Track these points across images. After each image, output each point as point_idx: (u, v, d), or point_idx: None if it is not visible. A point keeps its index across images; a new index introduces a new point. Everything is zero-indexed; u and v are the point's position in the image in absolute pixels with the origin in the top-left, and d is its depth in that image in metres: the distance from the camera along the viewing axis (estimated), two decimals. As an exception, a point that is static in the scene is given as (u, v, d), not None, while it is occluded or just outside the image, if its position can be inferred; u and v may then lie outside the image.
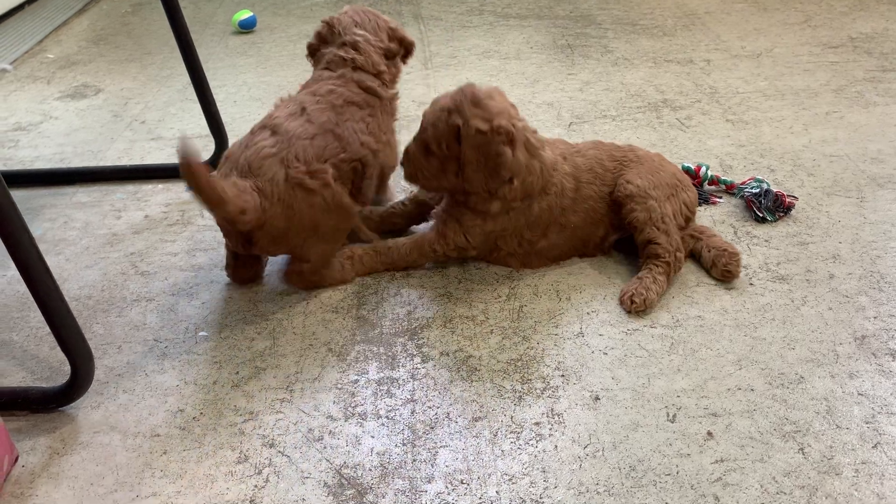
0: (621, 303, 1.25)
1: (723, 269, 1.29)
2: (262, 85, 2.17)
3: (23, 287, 1.32)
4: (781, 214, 1.46)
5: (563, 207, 1.31)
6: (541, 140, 1.28)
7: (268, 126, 1.24)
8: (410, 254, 1.33)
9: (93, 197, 1.63)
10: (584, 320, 1.22)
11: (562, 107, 1.96)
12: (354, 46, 1.37)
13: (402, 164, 1.30)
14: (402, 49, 1.45)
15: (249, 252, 1.25)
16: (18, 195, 1.59)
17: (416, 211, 1.43)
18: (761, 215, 1.45)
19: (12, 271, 1.38)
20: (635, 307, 1.22)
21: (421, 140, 1.25)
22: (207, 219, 1.53)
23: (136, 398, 1.10)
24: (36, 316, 1.26)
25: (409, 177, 1.29)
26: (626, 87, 2.06)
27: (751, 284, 1.29)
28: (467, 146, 1.20)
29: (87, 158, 1.79)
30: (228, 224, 1.17)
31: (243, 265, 1.31)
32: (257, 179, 1.17)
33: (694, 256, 1.36)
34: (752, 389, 1.07)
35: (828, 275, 1.30)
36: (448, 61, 2.28)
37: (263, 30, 2.62)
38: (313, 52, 1.44)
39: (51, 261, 1.39)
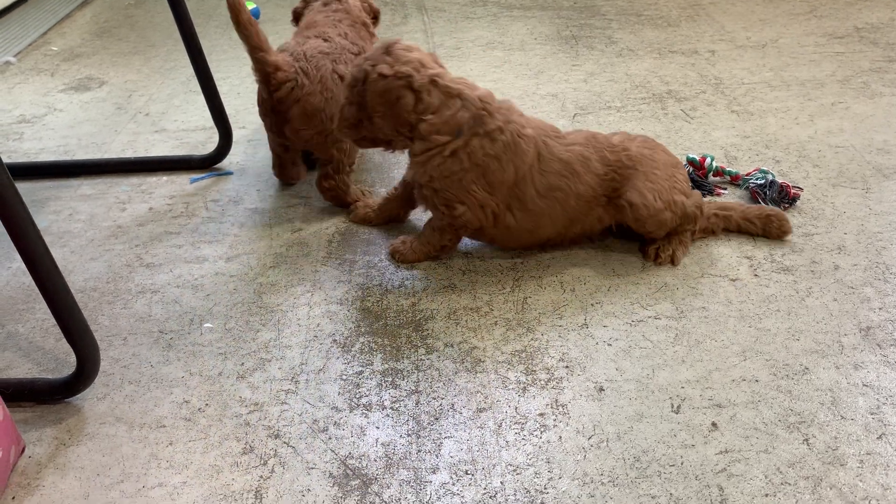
0: (646, 256, 1.32)
1: (778, 232, 1.36)
2: (265, 77, 2.16)
3: (28, 279, 1.33)
4: (786, 205, 1.45)
5: (519, 173, 1.26)
6: (470, 86, 1.27)
7: (320, 35, 1.47)
8: (439, 236, 1.34)
9: (97, 189, 1.63)
10: (588, 312, 1.22)
11: (566, 98, 1.95)
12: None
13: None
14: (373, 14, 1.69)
15: (284, 139, 1.45)
16: (23, 187, 1.60)
17: (409, 193, 1.43)
18: (767, 206, 1.44)
19: (18, 263, 1.38)
20: (659, 261, 1.32)
21: (345, 97, 1.31)
22: (212, 211, 1.53)
23: (142, 389, 1.10)
24: (42, 308, 1.27)
25: (338, 128, 1.33)
26: (630, 78, 2.05)
27: (755, 276, 1.28)
28: (370, 91, 1.24)
29: (91, 151, 1.79)
30: (264, 80, 1.39)
31: (289, 163, 1.55)
32: (306, 63, 1.39)
33: (732, 231, 1.39)
34: (757, 380, 1.07)
35: (833, 266, 1.30)
36: (452, 52, 2.27)
37: (267, 21, 2.61)
38: (298, 16, 1.66)
39: (56, 253, 1.40)
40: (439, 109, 1.24)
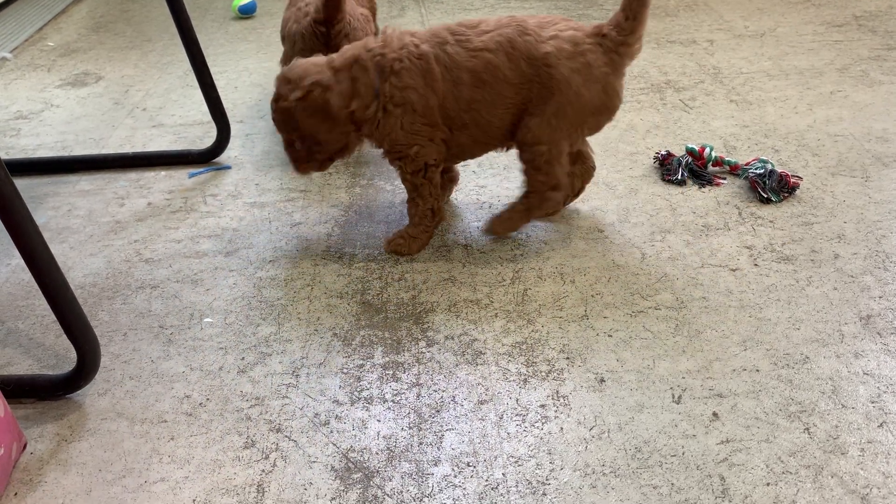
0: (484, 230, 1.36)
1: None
2: (262, 70, 2.16)
3: (27, 275, 1.33)
4: (786, 195, 1.45)
5: (438, 93, 1.25)
6: (357, 44, 1.29)
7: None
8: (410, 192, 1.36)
9: (96, 185, 1.63)
10: (588, 303, 1.22)
11: (564, 89, 1.94)
12: None
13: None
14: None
15: None
16: (21, 184, 1.59)
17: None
18: (766, 196, 1.44)
19: (17, 260, 1.38)
20: (484, 229, 1.36)
21: (284, 141, 1.32)
22: (211, 205, 1.53)
23: (143, 385, 1.10)
24: (41, 304, 1.26)
25: (299, 170, 1.34)
26: (628, 69, 2.04)
27: (755, 265, 1.28)
28: (302, 118, 1.25)
29: (88, 146, 1.79)
30: (329, 17, 1.47)
31: None
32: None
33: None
34: (758, 370, 1.08)
35: (833, 255, 1.30)
36: (449, 44, 2.27)
37: (263, 15, 2.60)
38: None
39: (55, 249, 1.39)
40: (352, 87, 1.24)
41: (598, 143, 1.67)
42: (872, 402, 1.02)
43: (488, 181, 1.56)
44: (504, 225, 1.36)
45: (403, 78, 1.24)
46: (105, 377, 1.11)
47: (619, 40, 1.24)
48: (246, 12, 2.58)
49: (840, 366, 1.08)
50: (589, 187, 1.52)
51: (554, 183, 1.30)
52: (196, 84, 1.99)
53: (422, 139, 1.27)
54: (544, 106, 1.24)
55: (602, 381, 1.07)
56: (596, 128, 1.31)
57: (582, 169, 1.40)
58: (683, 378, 1.07)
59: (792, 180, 1.45)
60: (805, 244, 1.33)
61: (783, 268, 1.28)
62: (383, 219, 1.46)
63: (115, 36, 2.50)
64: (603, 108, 1.27)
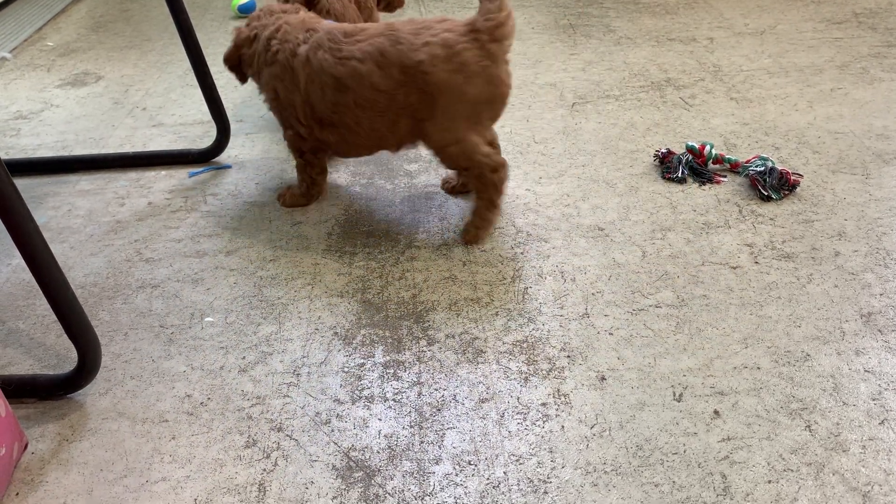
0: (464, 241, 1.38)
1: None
2: (262, 70, 2.15)
3: (28, 275, 1.33)
4: (786, 192, 1.45)
5: (302, 92, 1.34)
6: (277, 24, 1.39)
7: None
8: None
9: (96, 185, 1.62)
10: (589, 301, 1.22)
11: (564, 87, 1.94)
12: None
13: None
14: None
15: None
16: (22, 184, 1.59)
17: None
18: (766, 193, 1.44)
19: (17, 260, 1.38)
20: (467, 241, 1.37)
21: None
22: (211, 205, 1.53)
23: (144, 384, 1.10)
24: (42, 304, 1.26)
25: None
26: (629, 67, 2.04)
27: (756, 263, 1.28)
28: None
29: (89, 146, 1.79)
30: None
31: None
32: None
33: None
34: (759, 368, 1.07)
35: (833, 252, 1.30)
36: (449, 43, 2.26)
37: (263, 14, 2.60)
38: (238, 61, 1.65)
39: (55, 249, 1.39)
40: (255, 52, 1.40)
41: (599, 141, 1.68)
42: (873, 400, 1.02)
43: (488, 180, 1.56)
44: (481, 230, 1.37)
45: (275, 70, 1.37)
46: (106, 377, 1.11)
47: (491, 26, 1.24)
48: (245, 11, 2.57)
49: (841, 363, 1.08)
50: (589, 185, 1.52)
51: (487, 168, 1.31)
52: (196, 83, 1.99)
53: (287, 123, 1.41)
54: (433, 110, 1.28)
55: (603, 379, 1.07)
56: (493, 117, 1.34)
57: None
58: (684, 376, 1.07)
59: (792, 178, 1.45)
60: (806, 242, 1.33)
61: (784, 265, 1.28)
62: (383, 217, 1.46)
63: (114, 35, 2.50)
64: (492, 98, 1.30)
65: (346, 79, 1.29)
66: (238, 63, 1.45)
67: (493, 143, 1.40)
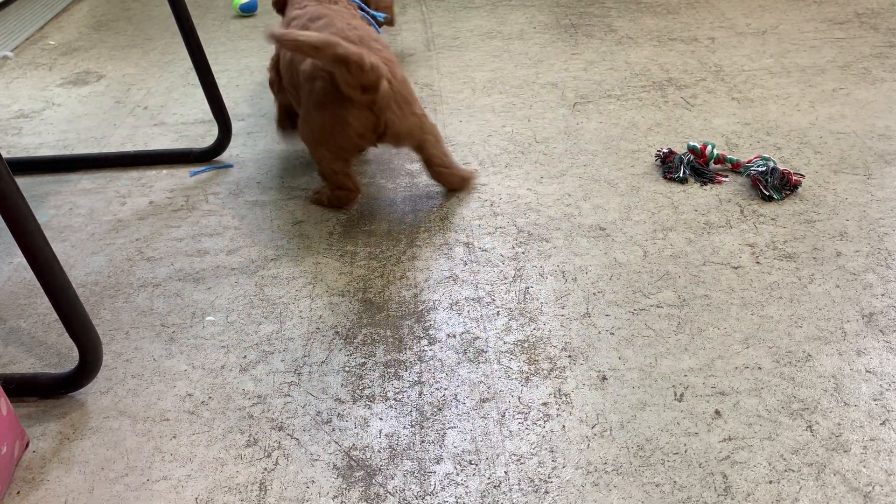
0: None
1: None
2: (263, 69, 2.16)
3: (29, 274, 1.33)
4: (788, 192, 1.45)
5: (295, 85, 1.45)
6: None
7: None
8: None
9: (97, 183, 1.63)
10: (590, 301, 1.22)
11: (566, 87, 1.94)
12: None
13: None
14: None
15: None
16: (23, 182, 1.59)
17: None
18: (768, 193, 1.44)
19: (19, 258, 1.38)
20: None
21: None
22: (212, 204, 1.53)
23: (145, 383, 1.10)
24: (43, 303, 1.27)
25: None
26: (630, 67, 2.04)
27: (757, 263, 1.28)
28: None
29: (90, 145, 1.79)
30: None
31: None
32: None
33: None
34: (760, 368, 1.07)
35: (835, 252, 1.30)
36: (450, 43, 2.27)
37: (265, 13, 2.60)
38: (281, 3, 1.72)
39: (57, 248, 1.40)
40: None
41: (600, 141, 1.67)
42: (875, 400, 1.02)
43: (490, 179, 1.56)
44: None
45: (285, 60, 1.49)
46: (107, 375, 1.12)
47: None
48: (247, 11, 2.57)
49: (842, 363, 1.08)
50: (591, 185, 1.52)
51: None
52: (197, 82, 2.00)
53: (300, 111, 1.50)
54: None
55: (604, 379, 1.07)
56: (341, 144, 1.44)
57: None
58: (685, 376, 1.07)
59: (794, 178, 1.45)
60: (807, 242, 1.33)
61: (785, 265, 1.27)
62: (385, 217, 1.46)
63: (116, 35, 2.50)
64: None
65: (303, 76, 1.41)
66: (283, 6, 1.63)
67: (431, 161, 1.47)
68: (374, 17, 1.78)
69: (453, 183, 1.51)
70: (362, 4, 1.74)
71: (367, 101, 1.31)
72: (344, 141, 1.37)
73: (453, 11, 2.53)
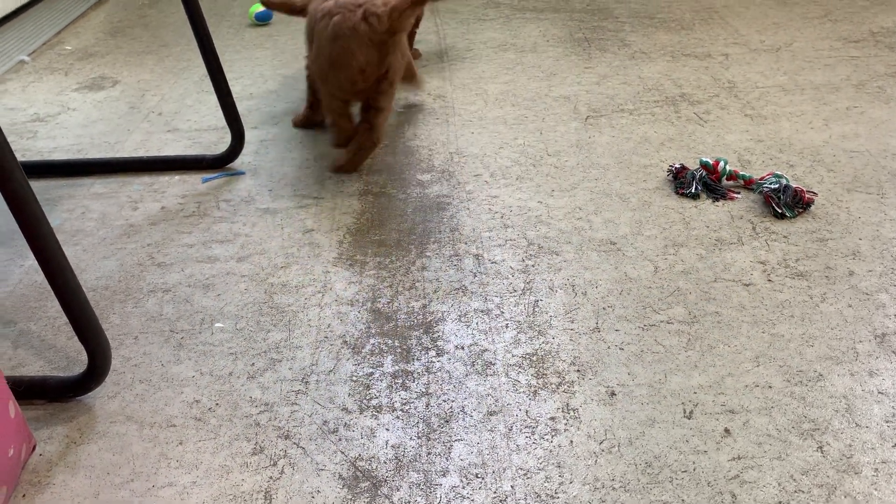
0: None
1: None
2: (277, 77, 2.17)
3: (41, 277, 1.34)
4: (801, 210, 1.44)
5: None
6: None
7: None
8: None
9: (110, 188, 1.63)
10: (600, 315, 1.21)
11: (578, 100, 1.94)
12: None
13: None
14: None
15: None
16: (37, 186, 1.60)
17: None
18: (780, 211, 1.43)
19: (31, 261, 1.39)
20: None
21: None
22: (224, 211, 1.53)
23: (153, 389, 1.10)
24: (54, 306, 1.27)
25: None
26: (643, 81, 2.04)
27: (769, 280, 1.27)
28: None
29: (104, 150, 1.80)
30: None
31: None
32: None
33: None
34: (770, 387, 1.06)
35: (847, 271, 1.29)
36: (464, 54, 2.27)
37: (279, 23, 2.62)
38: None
39: (68, 251, 1.40)
40: None
41: (612, 155, 1.67)
42: (887, 422, 1.01)
43: (501, 191, 1.56)
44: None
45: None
46: (115, 380, 1.12)
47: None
48: (262, 19, 2.59)
49: (854, 384, 1.07)
50: (602, 199, 1.52)
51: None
52: (211, 90, 2.00)
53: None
54: None
55: (613, 394, 1.06)
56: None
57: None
58: (695, 393, 1.06)
59: (807, 196, 1.44)
60: (819, 260, 1.32)
61: (797, 284, 1.27)
62: (395, 227, 1.46)
63: (132, 41, 2.52)
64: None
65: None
66: None
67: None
68: None
69: (366, 143, 1.64)
70: None
71: (381, 38, 1.45)
72: (344, 74, 1.48)
73: (467, 23, 2.54)
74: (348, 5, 1.46)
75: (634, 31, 2.40)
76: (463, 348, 1.15)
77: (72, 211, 1.55)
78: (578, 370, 1.10)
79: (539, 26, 2.49)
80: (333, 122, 1.63)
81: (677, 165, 1.56)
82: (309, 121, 1.84)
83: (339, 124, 1.62)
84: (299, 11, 1.76)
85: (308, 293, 1.29)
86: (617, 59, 2.20)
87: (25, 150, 1.81)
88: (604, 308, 1.23)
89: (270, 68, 2.24)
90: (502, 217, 1.48)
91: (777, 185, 1.46)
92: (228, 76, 1.76)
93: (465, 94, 2.00)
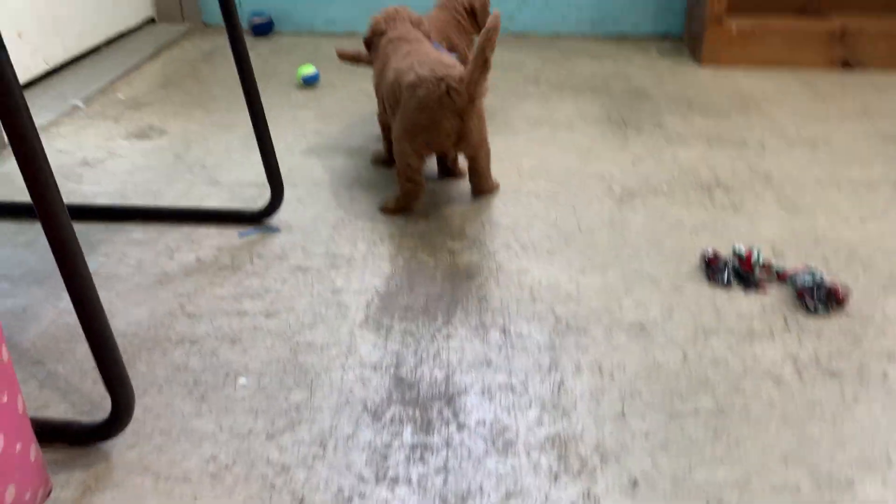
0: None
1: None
2: (319, 137, 2.22)
3: (73, 319, 1.35)
4: (834, 307, 1.42)
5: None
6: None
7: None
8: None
9: (148, 235, 1.67)
10: (626, 400, 1.19)
11: (613, 179, 1.96)
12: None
13: None
14: None
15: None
16: (78, 228, 1.63)
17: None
18: (813, 307, 1.41)
19: (65, 302, 1.41)
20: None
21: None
22: (256, 265, 1.55)
23: (171, 441, 1.10)
24: (82, 349, 1.28)
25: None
26: (678, 165, 2.06)
27: (800, 377, 1.25)
28: None
29: (146, 197, 1.84)
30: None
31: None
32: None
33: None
34: (799, 489, 1.03)
35: (882, 374, 1.26)
36: (500, 128, 2.31)
37: (326, 86, 2.70)
38: (370, 42, 1.96)
39: (102, 295, 1.42)
40: None
41: (645, 236, 1.67)
42: (921, 537, 0.97)
43: (531, 264, 1.57)
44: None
45: None
46: (135, 429, 1.12)
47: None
48: (310, 82, 2.67)
49: (887, 493, 1.03)
50: (633, 280, 1.51)
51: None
52: (255, 146, 2.05)
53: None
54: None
55: (636, 484, 1.04)
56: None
57: None
58: (720, 489, 1.03)
59: (841, 293, 1.42)
60: (853, 360, 1.29)
61: (829, 383, 1.24)
62: (423, 292, 1.47)
63: (182, 93, 2.61)
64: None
65: None
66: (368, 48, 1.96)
67: (476, 168, 1.83)
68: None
69: (483, 188, 1.85)
70: (438, 45, 1.99)
71: (461, 109, 1.64)
72: (432, 138, 1.68)
73: (505, 98, 2.59)
74: (430, 79, 1.63)
75: (671, 115, 2.43)
76: (484, 424, 1.14)
77: (109, 255, 1.58)
78: (602, 456, 1.08)
79: (576, 104, 2.53)
80: (407, 178, 1.73)
81: (710, 252, 1.56)
82: (385, 160, 2.01)
83: (414, 179, 1.74)
84: (367, 62, 2.03)
85: (332, 354, 1.29)
86: (653, 140, 2.22)
87: (71, 192, 1.87)
88: (630, 393, 1.21)
89: (313, 129, 2.30)
90: (531, 290, 1.48)
91: (811, 280, 1.45)
92: (272, 133, 1.81)
93: (499, 165, 2.02)
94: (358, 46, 2.17)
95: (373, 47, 1.96)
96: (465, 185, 1.92)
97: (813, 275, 1.46)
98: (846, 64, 2.89)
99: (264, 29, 3.26)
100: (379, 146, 2.11)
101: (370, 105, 2.47)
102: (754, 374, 1.25)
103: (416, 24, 1.96)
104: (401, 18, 1.93)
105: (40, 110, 2.36)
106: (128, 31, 3.18)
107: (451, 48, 2.18)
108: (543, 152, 2.13)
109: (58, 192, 0.95)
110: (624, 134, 2.27)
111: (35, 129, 0.94)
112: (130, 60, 2.88)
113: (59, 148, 2.14)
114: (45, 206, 0.95)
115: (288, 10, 3.32)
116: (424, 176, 1.77)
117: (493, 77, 2.83)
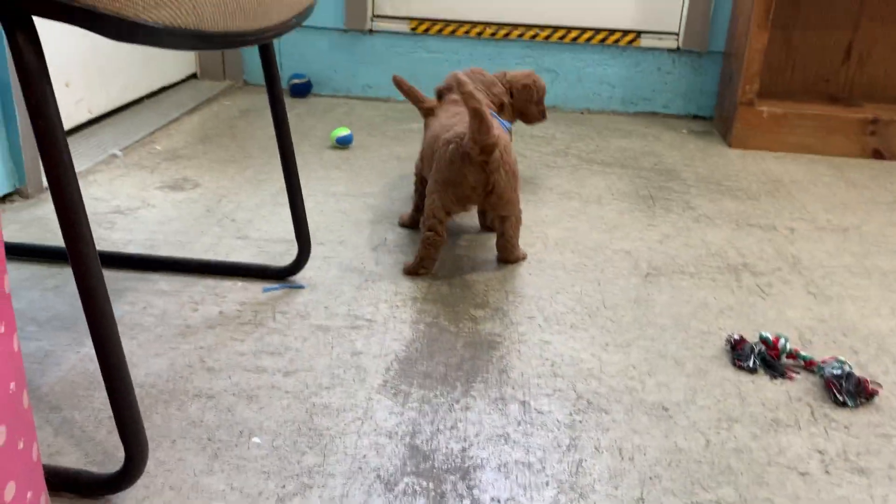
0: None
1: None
2: (349, 198, 2.25)
3: (94, 366, 1.36)
4: (863, 401, 1.38)
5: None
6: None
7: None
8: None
9: (174, 286, 1.68)
10: (645, 485, 1.16)
11: (639, 256, 1.95)
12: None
13: None
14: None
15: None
16: (106, 275, 1.66)
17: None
18: (842, 399, 1.38)
19: (87, 348, 1.42)
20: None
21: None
22: (279, 322, 1.55)
23: (181, 498, 1.08)
24: (100, 397, 1.28)
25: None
26: (706, 246, 2.05)
27: (827, 472, 1.21)
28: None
29: (175, 248, 1.87)
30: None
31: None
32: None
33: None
34: (825, 593, 0.99)
35: (913, 474, 1.22)
36: (528, 197, 2.33)
37: (358, 148, 2.75)
38: (441, 94, 2.08)
39: (124, 344, 1.43)
40: None
41: (670, 316, 1.66)
42: None
43: (553, 337, 1.55)
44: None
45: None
46: (146, 483, 1.10)
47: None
48: (343, 143, 2.73)
49: None
50: (657, 360, 1.49)
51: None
52: (285, 202, 2.09)
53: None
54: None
55: (653, 575, 1.00)
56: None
57: None
58: (742, 588, 0.99)
59: (871, 387, 1.39)
60: (882, 458, 1.25)
61: (857, 480, 1.20)
62: (443, 360, 1.46)
63: (218, 148, 2.67)
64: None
65: None
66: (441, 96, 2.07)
67: (504, 233, 1.86)
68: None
69: (509, 257, 1.88)
70: (494, 113, 2.05)
71: (481, 161, 1.70)
72: (458, 191, 1.75)
73: (535, 168, 2.62)
74: (461, 135, 1.74)
75: (700, 195, 2.43)
76: (499, 502, 1.11)
77: (134, 304, 1.60)
78: (618, 543, 1.05)
79: (605, 179, 2.55)
80: (429, 228, 1.78)
81: (736, 336, 1.54)
82: (413, 221, 2.05)
83: (435, 229, 1.77)
84: (423, 110, 2.08)
85: (348, 419, 1.27)
86: (681, 220, 2.22)
87: (102, 239, 1.90)
88: (650, 478, 1.18)
89: (344, 189, 2.33)
90: (553, 365, 1.46)
91: (839, 371, 1.42)
92: (303, 192, 1.84)
93: (525, 235, 2.03)
94: (390, 110, 2.28)
95: (442, 99, 2.09)
96: (491, 251, 1.93)
97: (842, 366, 1.43)
98: (878, 154, 2.89)
99: (302, 90, 3.35)
100: (407, 209, 2.13)
101: (400, 169, 2.51)
102: (779, 466, 1.22)
103: (489, 85, 2.13)
104: (475, 80, 2.07)
105: (80, 157, 2.43)
106: (171, 85, 3.29)
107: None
108: (570, 225, 2.14)
109: (91, 240, 0.97)
110: (652, 211, 2.28)
111: (75, 177, 0.96)
112: (171, 114, 2.96)
113: (95, 195, 2.19)
114: (77, 252, 0.97)
115: (328, 75, 3.41)
116: (447, 232, 1.81)
117: (523, 148, 2.88)
